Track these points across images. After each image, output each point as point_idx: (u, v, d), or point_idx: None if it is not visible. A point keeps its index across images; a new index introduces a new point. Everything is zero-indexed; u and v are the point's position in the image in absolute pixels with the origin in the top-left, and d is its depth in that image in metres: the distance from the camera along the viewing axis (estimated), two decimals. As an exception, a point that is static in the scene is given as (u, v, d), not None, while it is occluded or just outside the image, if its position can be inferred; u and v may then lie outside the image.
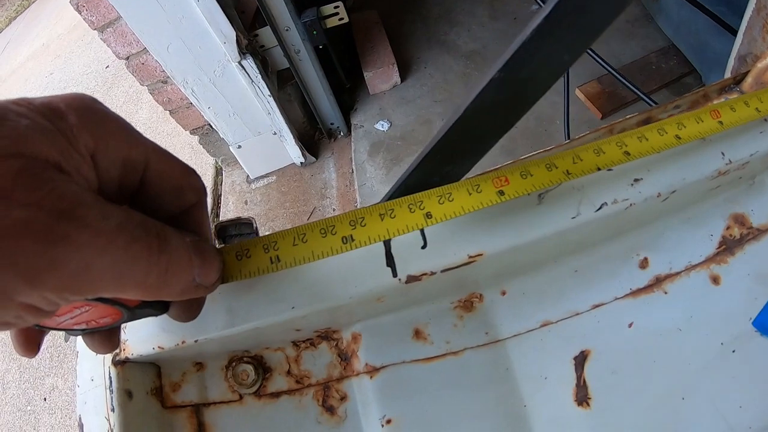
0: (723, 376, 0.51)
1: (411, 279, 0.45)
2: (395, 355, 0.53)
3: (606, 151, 0.41)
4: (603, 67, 1.35)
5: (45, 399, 2.24)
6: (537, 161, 0.41)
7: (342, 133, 2.43)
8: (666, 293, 0.53)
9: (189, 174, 0.36)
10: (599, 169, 0.41)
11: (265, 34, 1.93)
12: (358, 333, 0.53)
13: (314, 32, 1.90)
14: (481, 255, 0.45)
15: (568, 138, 1.40)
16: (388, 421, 0.51)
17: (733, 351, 0.51)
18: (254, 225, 0.66)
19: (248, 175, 2.45)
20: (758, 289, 0.53)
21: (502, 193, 0.39)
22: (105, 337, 0.37)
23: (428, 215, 0.39)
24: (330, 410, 0.53)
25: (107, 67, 4.05)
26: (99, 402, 0.47)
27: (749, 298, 0.53)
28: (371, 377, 0.52)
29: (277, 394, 0.53)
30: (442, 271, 0.45)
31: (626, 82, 1.30)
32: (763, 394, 0.50)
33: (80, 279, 0.26)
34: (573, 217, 0.45)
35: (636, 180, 0.45)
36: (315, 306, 0.44)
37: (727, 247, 0.54)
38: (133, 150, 0.32)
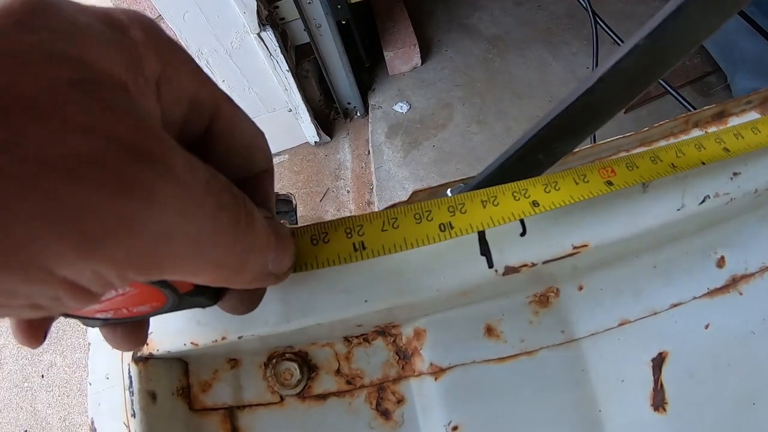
0: None
1: (509, 270, 0.39)
2: (464, 354, 0.47)
3: (707, 147, 0.40)
4: None
5: (42, 376, 2.25)
6: (641, 153, 0.39)
7: (359, 114, 2.38)
8: (741, 294, 0.50)
9: (260, 133, 0.30)
10: (703, 163, 0.39)
11: (287, 6, 1.90)
12: (423, 329, 0.46)
13: (338, 6, 1.84)
14: (586, 246, 0.40)
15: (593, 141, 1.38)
16: (455, 428, 0.45)
17: None
18: (293, 202, 0.59)
19: (261, 153, 2.40)
20: (831, 294, 0.50)
21: (610, 183, 0.37)
22: (131, 331, 0.30)
23: (535, 203, 0.35)
24: (385, 414, 0.47)
25: None
26: (116, 404, 0.41)
27: (822, 302, 0.50)
28: (436, 378, 0.46)
29: (324, 396, 0.47)
30: (544, 263, 0.39)
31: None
32: None
33: (154, 252, 0.19)
34: (678, 209, 0.41)
35: (735, 174, 0.43)
36: (394, 300, 0.38)
37: None
38: (203, 89, 0.25)
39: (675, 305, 0.50)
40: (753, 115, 0.56)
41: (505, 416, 0.46)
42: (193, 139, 0.27)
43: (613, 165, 0.38)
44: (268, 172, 0.31)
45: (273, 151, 2.33)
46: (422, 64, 2.48)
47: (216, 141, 0.27)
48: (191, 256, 0.21)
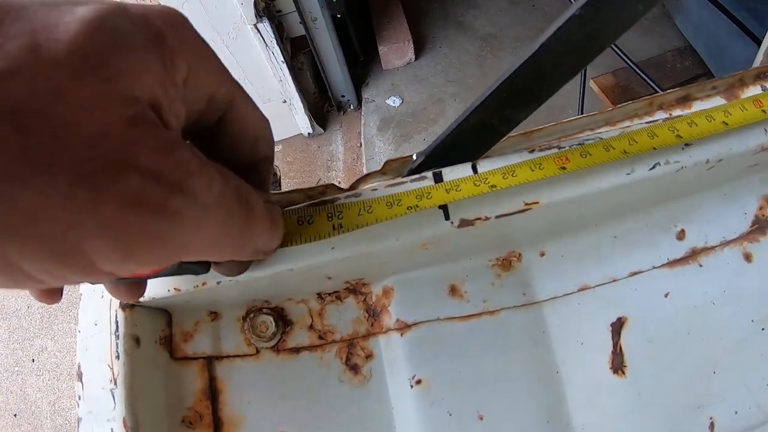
0: (753, 352, 0.51)
1: (464, 223, 0.41)
2: (429, 311, 0.49)
3: (659, 135, 0.43)
4: (622, 59, 1.34)
5: (33, 360, 2.24)
6: (594, 144, 0.42)
7: (352, 107, 2.40)
8: (701, 266, 0.52)
9: (267, 125, 0.34)
10: (654, 149, 0.42)
11: (283, -1, 1.89)
12: (390, 287, 0.49)
13: (333, 0, 1.85)
14: (537, 203, 0.42)
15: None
16: (418, 382, 0.48)
17: (763, 329, 0.51)
18: (278, 174, 0.62)
19: (254, 144, 2.41)
20: (789, 269, 0.53)
21: (563, 168, 0.40)
22: (133, 286, 0.35)
23: (493, 186, 0.39)
24: (354, 369, 0.49)
25: None
26: (102, 348, 0.43)
27: (780, 277, 0.53)
28: (402, 334, 0.49)
29: (297, 350, 0.49)
30: (497, 217, 0.42)
31: (645, 77, 1.33)
32: None
33: (175, 254, 0.25)
34: (628, 174, 0.43)
35: (687, 145, 0.44)
36: (357, 248, 0.41)
37: (760, 226, 0.54)
38: (222, 86, 0.29)
39: (634, 273, 0.52)
40: (717, 101, 0.58)
41: (466, 372, 0.49)
42: (207, 127, 0.30)
43: (567, 154, 0.41)
44: (269, 159, 0.35)
45: (267, 142, 2.35)
46: (416, 59, 2.49)
47: (226, 132, 0.31)
48: (202, 250, 0.26)
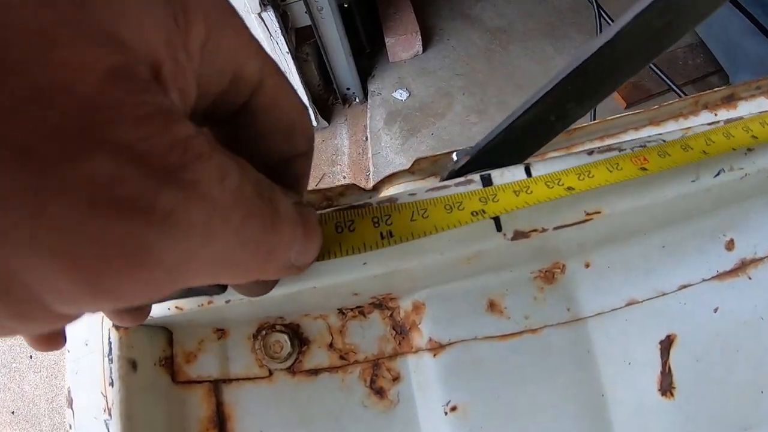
0: None
1: (518, 235, 0.37)
2: (465, 329, 0.45)
3: (735, 135, 0.40)
4: None
5: (31, 357, 2.25)
6: (672, 142, 0.39)
7: (357, 100, 2.37)
8: (750, 279, 0.49)
9: (305, 112, 0.26)
10: (734, 149, 0.40)
11: (289, -13, 1.86)
12: (422, 302, 0.44)
13: (341, -12, 1.82)
14: (599, 213, 0.38)
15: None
16: (453, 408, 0.43)
17: None
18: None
19: (256, 137, 2.39)
20: (840, 281, 0.49)
21: (644, 169, 0.36)
22: (136, 312, 0.28)
23: (570, 188, 0.35)
24: (379, 393, 0.45)
25: None
26: (95, 373, 0.39)
27: (831, 290, 0.50)
28: (434, 355, 0.44)
29: (315, 372, 0.45)
30: (555, 228, 0.37)
31: (658, 72, 1.35)
32: None
33: (170, 281, 0.17)
34: (693, 181, 0.40)
35: (749, 150, 0.41)
36: (395, 263, 0.36)
37: None
38: (250, 61, 0.22)
39: (684, 287, 0.48)
40: (762, 101, 0.57)
41: (506, 397, 0.44)
42: (224, 114, 0.24)
43: (644, 153, 0.38)
44: (307, 154, 0.28)
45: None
46: (423, 52, 2.47)
47: (254, 119, 0.24)
48: (211, 273, 0.19)
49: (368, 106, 2.33)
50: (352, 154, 2.24)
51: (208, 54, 0.20)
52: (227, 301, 0.36)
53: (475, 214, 0.33)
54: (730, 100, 0.56)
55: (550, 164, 0.38)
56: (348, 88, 2.35)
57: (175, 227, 0.16)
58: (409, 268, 0.36)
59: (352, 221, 0.33)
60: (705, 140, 0.39)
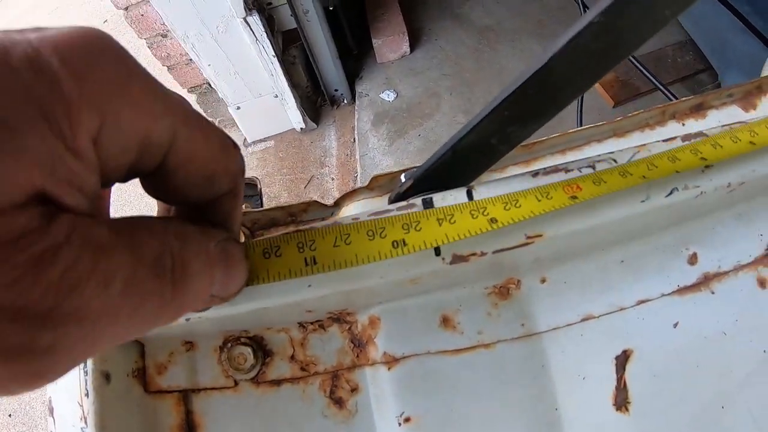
0: (764, 387, 0.47)
1: (457, 259, 0.38)
2: (419, 344, 0.46)
3: (681, 159, 0.40)
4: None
5: None
6: (609, 170, 0.39)
7: (345, 101, 2.38)
8: (713, 293, 0.49)
9: (227, 155, 0.27)
10: (677, 172, 0.39)
11: (273, -9, 1.86)
12: (377, 317, 0.46)
13: (325, -9, 1.83)
14: (540, 236, 0.39)
15: (580, 124, 1.38)
16: (407, 420, 0.45)
17: None
18: (258, 186, 0.59)
19: (246, 139, 2.41)
20: (806, 295, 0.50)
21: (574, 197, 0.37)
22: None
23: (493, 220, 0.35)
24: (338, 403, 0.46)
25: (105, 21, 3.99)
26: (72, 384, 0.40)
27: (796, 304, 0.49)
28: (389, 368, 0.45)
29: (278, 382, 0.46)
30: (494, 252, 0.38)
31: (646, 72, 1.33)
32: None
33: (71, 366, 0.20)
34: (642, 201, 0.40)
35: (707, 167, 0.41)
36: (336, 286, 0.37)
37: None
38: (157, 124, 0.22)
39: (642, 302, 0.48)
40: (734, 109, 0.56)
41: (459, 410, 0.45)
42: (147, 171, 0.24)
43: (578, 182, 0.38)
44: (233, 193, 0.29)
45: (259, 137, 2.33)
46: (411, 52, 2.48)
47: (170, 174, 0.25)
48: (114, 339, 0.21)
49: (356, 108, 2.33)
50: (341, 155, 2.24)
51: (107, 138, 0.20)
52: (187, 319, 0.38)
53: (395, 245, 0.33)
54: (699, 110, 0.55)
55: (492, 187, 0.39)
56: (336, 90, 2.35)
57: (58, 353, 0.19)
58: (356, 288, 0.38)
59: (278, 247, 0.33)
60: (647, 166, 0.39)
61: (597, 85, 2.07)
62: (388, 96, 2.32)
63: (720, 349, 0.48)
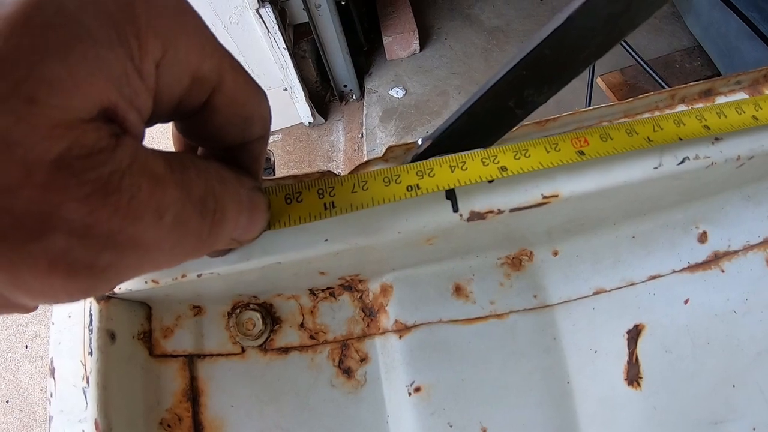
0: None
1: (474, 216, 0.37)
2: (431, 312, 0.46)
3: (686, 123, 0.39)
4: (631, 56, 1.34)
5: (26, 347, 2.25)
6: (617, 125, 0.39)
7: (354, 97, 2.38)
8: (723, 272, 0.49)
9: (261, 100, 0.28)
10: (680, 139, 0.39)
11: (286, -17, 1.87)
12: (389, 284, 0.45)
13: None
14: (556, 196, 0.38)
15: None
16: (417, 389, 0.45)
17: None
18: (272, 159, 0.59)
19: (254, 132, 2.40)
20: (814, 275, 0.50)
21: (582, 153, 0.36)
22: None
23: (503, 168, 0.35)
24: (347, 372, 0.46)
25: None
26: (76, 343, 0.41)
27: (805, 283, 0.50)
28: (400, 336, 0.45)
29: (286, 350, 0.46)
30: (511, 211, 0.38)
31: (654, 75, 1.38)
32: None
33: (109, 288, 0.22)
34: (655, 168, 0.40)
35: (717, 139, 0.41)
36: (353, 240, 0.37)
37: None
38: (207, 61, 0.23)
39: (653, 277, 0.49)
40: (741, 96, 0.55)
41: (470, 380, 0.45)
42: (192, 108, 0.25)
43: (586, 135, 0.37)
44: (263, 138, 0.30)
45: (267, 130, 2.34)
46: (421, 50, 2.48)
47: (215, 113, 0.26)
48: (153, 268, 0.23)
49: (365, 104, 2.33)
50: (348, 150, 2.25)
51: (166, 67, 0.21)
52: (199, 275, 0.38)
53: (410, 189, 0.34)
54: (708, 95, 0.53)
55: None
56: (345, 85, 2.36)
57: (111, 274, 0.20)
58: (371, 245, 0.38)
59: (299, 193, 0.34)
60: (653, 126, 0.39)
61: (605, 88, 2.07)
62: (397, 93, 2.32)
63: (730, 327, 0.48)
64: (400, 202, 0.37)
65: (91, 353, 0.39)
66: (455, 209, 0.37)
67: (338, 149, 2.27)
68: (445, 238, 0.40)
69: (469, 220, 0.37)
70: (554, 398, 0.46)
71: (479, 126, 0.39)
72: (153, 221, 0.20)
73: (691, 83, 0.53)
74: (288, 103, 2.21)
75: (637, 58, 1.39)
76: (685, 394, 0.47)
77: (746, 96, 0.56)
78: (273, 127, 2.06)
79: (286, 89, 2.13)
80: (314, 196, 0.34)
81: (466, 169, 0.35)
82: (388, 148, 0.46)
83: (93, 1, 0.18)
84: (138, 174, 0.20)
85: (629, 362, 0.47)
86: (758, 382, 0.48)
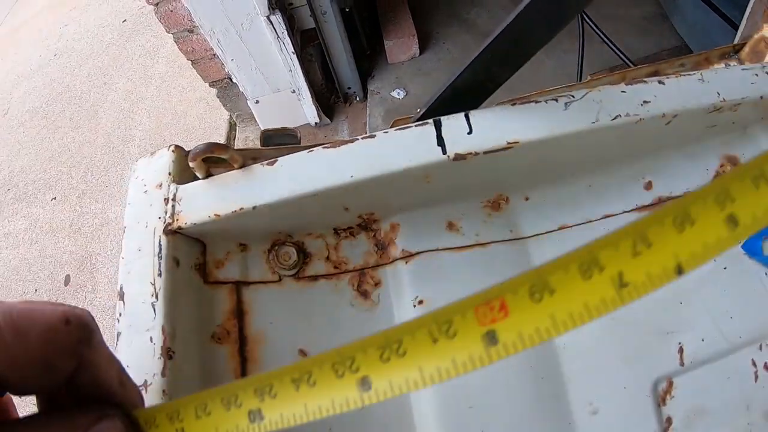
0: (716, 288, 0.58)
1: (458, 157, 0.48)
2: (430, 243, 0.57)
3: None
4: (618, 57, 1.40)
5: None
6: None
7: (358, 98, 2.46)
8: None
9: (60, 333, 0.27)
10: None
11: (295, -8, 1.96)
12: (397, 223, 0.56)
13: (343, -7, 1.93)
14: (517, 143, 0.48)
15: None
16: (420, 302, 0.55)
17: (725, 268, 0.58)
18: (298, 136, 0.69)
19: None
20: (746, 217, 0.60)
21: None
22: None
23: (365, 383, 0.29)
24: (364, 294, 0.56)
25: (124, 21, 4.02)
26: (145, 270, 0.48)
27: (740, 225, 0.60)
28: (406, 262, 0.56)
29: (314, 278, 0.56)
30: (485, 153, 0.48)
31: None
32: (749, 307, 0.57)
33: None
34: (593, 122, 0.49)
35: (645, 102, 0.50)
36: (371, 172, 0.47)
37: None
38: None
39: (607, 216, 0.59)
40: (687, 75, 0.66)
41: (461, 294, 0.54)
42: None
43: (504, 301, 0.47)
44: (84, 365, 0.29)
45: (275, 131, 2.42)
46: (420, 54, 2.56)
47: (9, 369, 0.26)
48: None
49: (368, 105, 2.42)
50: (352, 149, 2.33)
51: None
52: (254, 207, 0.48)
53: (252, 418, 0.28)
54: (653, 75, 0.62)
55: (481, 113, 0.50)
56: (349, 87, 2.45)
57: None
58: (383, 177, 0.48)
59: (154, 417, 0.32)
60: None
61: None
62: (399, 94, 2.42)
63: None
64: (402, 147, 0.48)
65: (160, 274, 0.47)
66: (444, 152, 0.48)
67: (343, 148, 2.35)
68: (439, 177, 0.51)
69: (454, 159, 0.48)
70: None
71: (461, 95, 0.50)
72: None
73: (639, 66, 0.62)
74: (295, 104, 2.29)
75: (623, 57, 1.45)
76: (641, 309, 0.57)
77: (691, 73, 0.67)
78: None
79: (294, 91, 2.22)
80: (166, 421, 0.31)
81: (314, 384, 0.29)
82: (395, 121, 0.56)
83: None
84: None
85: (590, 281, 0.58)
86: (704, 300, 0.57)
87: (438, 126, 0.49)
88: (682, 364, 0.56)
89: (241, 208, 0.48)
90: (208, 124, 2.82)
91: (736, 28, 1.41)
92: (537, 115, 0.50)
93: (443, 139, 0.49)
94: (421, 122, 0.50)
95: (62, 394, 0.28)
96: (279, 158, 0.49)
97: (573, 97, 0.50)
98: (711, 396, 0.56)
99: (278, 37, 1.94)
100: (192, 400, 0.30)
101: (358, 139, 0.48)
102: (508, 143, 0.48)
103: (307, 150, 0.49)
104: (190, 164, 0.49)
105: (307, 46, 2.22)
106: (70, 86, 3.65)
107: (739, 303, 0.57)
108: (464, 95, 0.50)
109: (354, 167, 0.47)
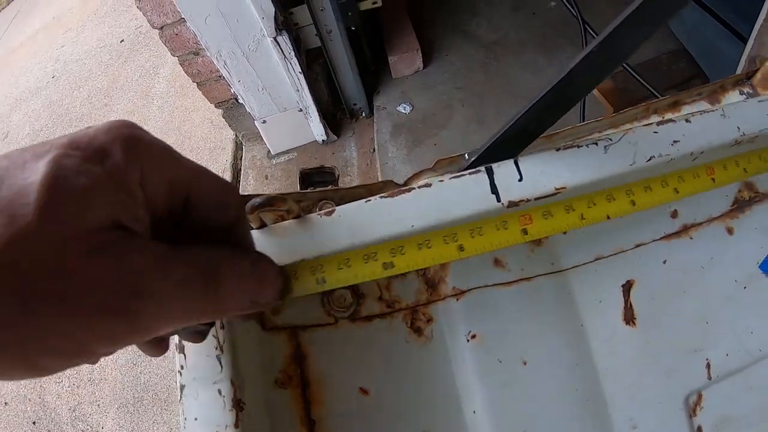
0: (738, 307, 0.64)
1: (511, 204, 0.50)
2: (478, 279, 0.59)
3: (617, 199, 0.51)
4: (624, 68, 1.41)
5: None
6: (557, 203, 0.50)
7: (364, 114, 2.48)
8: (692, 238, 0.64)
9: (228, 190, 0.36)
10: (608, 217, 0.50)
11: (301, 13, 1.99)
12: (447, 262, 0.58)
13: (349, 13, 1.95)
14: (564, 188, 0.51)
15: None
16: (473, 336, 0.58)
17: (745, 287, 0.64)
18: (336, 173, 0.71)
19: (269, 151, 2.50)
20: (764, 240, 0.66)
21: (525, 232, 0.48)
22: (154, 344, 0.40)
23: (461, 248, 0.47)
24: (417, 331, 0.58)
25: (122, 41, 4.02)
26: None
27: (757, 246, 0.65)
28: (458, 299, 0.58)
29: (369, 318, 0.57)
30: (536, 199, 0.50)
31: (640, 80, 1.46)
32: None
33: (148, 333, 0.30)
34: (630, 164, 0.52)
35: (675, 141, 0.53)
36: (431, 221, 0.49)
37: (739, 206, 0.66)
38: (177, 171, 0.33)
39: (639, 245, 0.63)
40: (703, 105, 0.71)
41: (510, 327, 0.59)
42: (179, 207, 0.34)
43: (531, 212, 0.49)
44: (241, 218, 0.38)
45: (282, 149, 2.44)
46: (424, 68, 2.59)
47: (194, 208, 0.34)
48: (175, 322, 0.31)
49: (375, 120, 2.44)
50: (361, 165, 2.35)
51: (147, 179, 0.30)
52: (315, 258, 0.49)
53: (386, 267, 0.44)
54: (675, 105, 0.69)
55: (531, 158, 0.52)
56: (355, 104, 2.48)
57: (139, 316, 0.28)
58: (444, 225, 0.49)
59: (295, 271, 0.45)
60: (587, 203, 0.50)
61: (598, 93, 2.18)
62: (405, 108, 2.43)
63: (701, 279, 0.63)
64: (459, 195, 0.50)
65: (222, 327, 0.48)
66: (498, 200, 0.50)
67: (352, 164, 2.37)
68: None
69: (508, 207, 0.50)
70: (572, 336, 0.60)
71: (508, 143, 0.52)
72: (160, 278, 0.29)
73: (662, 98, 0.67)
74: (302, 122, 2.31)
75: (624, 64, 1.48)
76: (670, 329, 0.62)
77: (707, 105, 0.71)
78: (289, 146, 2.16)
79: (301, 110, 2.24)
80: (308, 273, 0.44)
81: (431, 246, 0.46)
82: (437, 161, 0.58)
83: (87, 154, 0.28)
84: (145, 251, 0.29)
85: (625, 307, 0.62)
86: (728, 318, 0.63)
87: (490, 174, 0.51)
88: (709, 378, 0.62)
89: (302, 260, 0.50)
90: (214, 143, 2.83)
91: (733, 31, 1.43)
92: (580, 159, 0.52)
93: (496, 187, 0.50)
94: (473, 170, 0.52)
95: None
96: (336, 208, 0.50)
97: (611, 140, 0.52)
98: (736, 405, 0.63)
99: (285, 57, 1.97)
100: (334, 258, 0.45)
101: (414, 188, 0.50)
102: (556, 189, 0.50)
103: (365, 200, 0.50)
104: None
105: (313, 64, 2.24)
106: (70, 108, 3.64)
107: (758, 319, 0.64)
108: (512, 141, 0.52)
109: (414, 217, 0.49)
